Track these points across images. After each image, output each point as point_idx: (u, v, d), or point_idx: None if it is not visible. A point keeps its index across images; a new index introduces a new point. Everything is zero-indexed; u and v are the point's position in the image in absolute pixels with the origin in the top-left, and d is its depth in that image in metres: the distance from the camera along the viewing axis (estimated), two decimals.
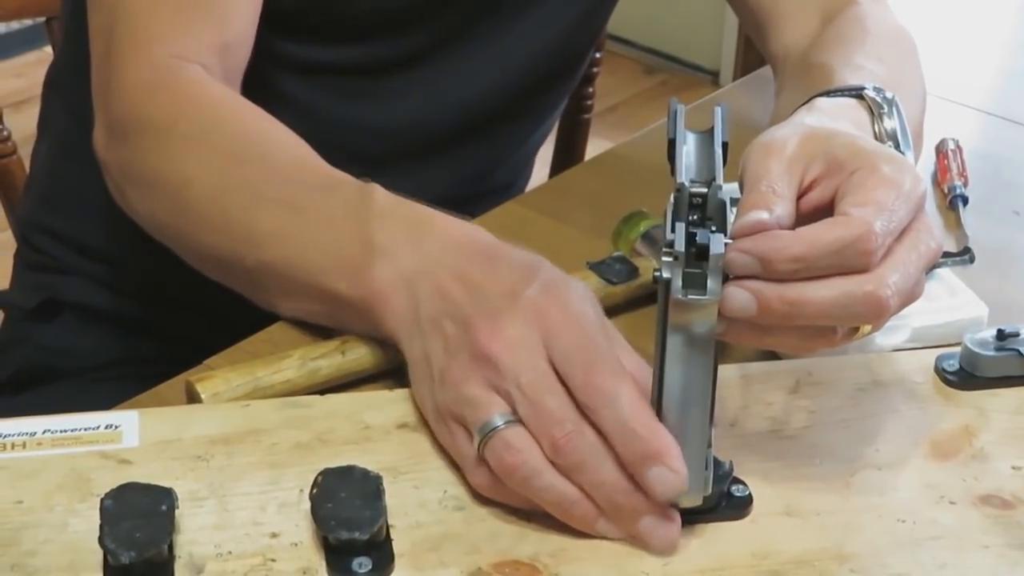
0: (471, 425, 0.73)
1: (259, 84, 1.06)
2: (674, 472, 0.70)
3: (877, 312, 0.72)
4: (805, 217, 0.74)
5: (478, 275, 0.78)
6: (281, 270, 0.87)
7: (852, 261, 0.71)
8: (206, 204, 0.91)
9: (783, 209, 0.73)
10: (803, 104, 0.90)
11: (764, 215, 0.72)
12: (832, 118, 0.86)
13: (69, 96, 1.04)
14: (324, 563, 0.69)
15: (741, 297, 0.70)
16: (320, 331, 0.89)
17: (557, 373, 0.73)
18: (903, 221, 0.73)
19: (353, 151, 1.06)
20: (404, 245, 0.82)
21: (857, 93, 0.90)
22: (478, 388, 0.74)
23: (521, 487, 0.72)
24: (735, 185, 0.90)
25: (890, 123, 0.89)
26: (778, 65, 1.10)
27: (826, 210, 0.75)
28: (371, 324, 0.83)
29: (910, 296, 0.73)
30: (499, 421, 0.72)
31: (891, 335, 0.91)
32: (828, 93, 0.91)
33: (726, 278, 0.69)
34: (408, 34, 1.08)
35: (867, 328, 0.75)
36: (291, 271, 0.87)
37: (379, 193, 0.85)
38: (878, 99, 0.89)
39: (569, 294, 0.76)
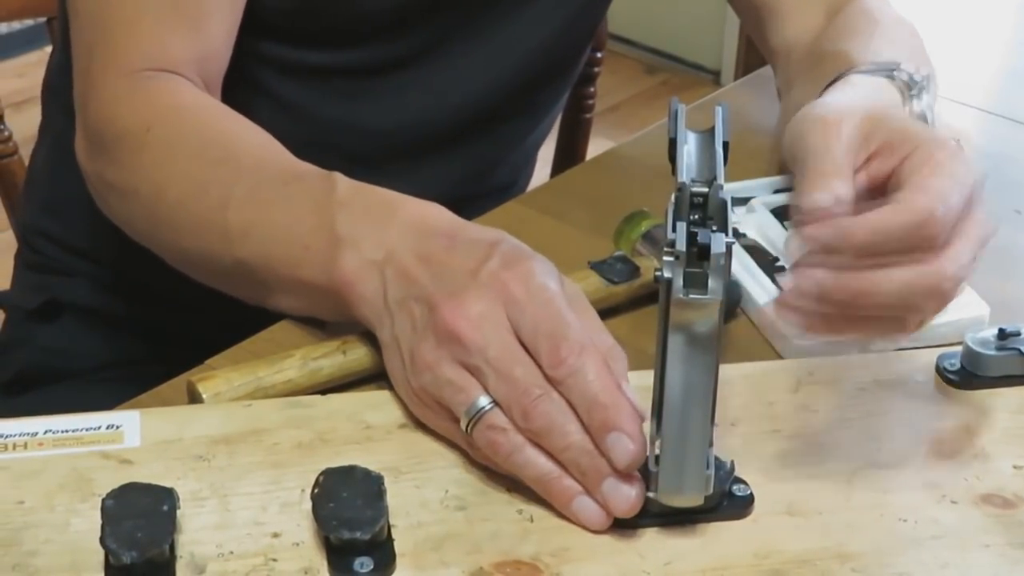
0: (455, 408, 0.75)
1: (254, 88, 1.06)
2: (633, 441, 0.71)
3: (938, 302, 0.73)
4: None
5: (440, 254, 0.80)
6: (257, 266, 0.88)
7: (915, 247, 0.72)
8: (181, 208, 0.92)
9: (847, 190, 0.73)
10: (837, 79, 0.90)
11: (838, 192, 0.73)
12: (871, 94, 0.86)
13: (66, 98, 1.04)
14: (325, 563, 0.69)
15: (805, 285, 0.71)
16: (322, 331, 0.89)
17: (524, 346, 0.75)
18: (960, 209, 0.74)
19: (350, 152, 1.06)
20: (367, 232, 0.83)
21: (889, 73, 0.90)
22: (451, 370, 0.75)
23: (505, 463, 0.74)
24: (737, 185, 0.90)
25: (920, 104, 0.89)
26: (779, 59, 1.10)
27: (873, 191, 0.75)
28: (346, 312, 0.84)
29: (963, 283, 0.75)
30: (484, 403, 0.74)
31: None
32: (860, 72, 0.91)
33: (727, 278, 0.69)
34: (403, 36, 1.08)
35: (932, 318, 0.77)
36: (266, 266, 0.88)
37: (341, 182, 0.86)
38: (910, 79, 0.89)
39: (530, 267, 0.77)
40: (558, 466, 0.73)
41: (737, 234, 0.98)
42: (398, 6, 1.05)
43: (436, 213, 0.83)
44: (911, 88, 0.89)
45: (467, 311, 0.76)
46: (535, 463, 0.73)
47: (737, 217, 1.00)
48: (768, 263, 0.96)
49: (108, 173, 0.96)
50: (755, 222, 1.01)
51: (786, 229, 1.00)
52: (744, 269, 0.95)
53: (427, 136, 1.13)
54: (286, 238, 0.87)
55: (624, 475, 0.72)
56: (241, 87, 1.04)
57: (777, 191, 1.04)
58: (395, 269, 0.81)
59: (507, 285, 0.76)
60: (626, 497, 0.72)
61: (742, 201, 1.02)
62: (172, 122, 0.94)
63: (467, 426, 0.74)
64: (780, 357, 0.90)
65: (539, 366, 0.74)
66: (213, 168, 0.91)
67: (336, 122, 1.10)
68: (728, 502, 0.73)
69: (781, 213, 1.02)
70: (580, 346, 0.74)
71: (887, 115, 0.79)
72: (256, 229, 0.88)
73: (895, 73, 0.90)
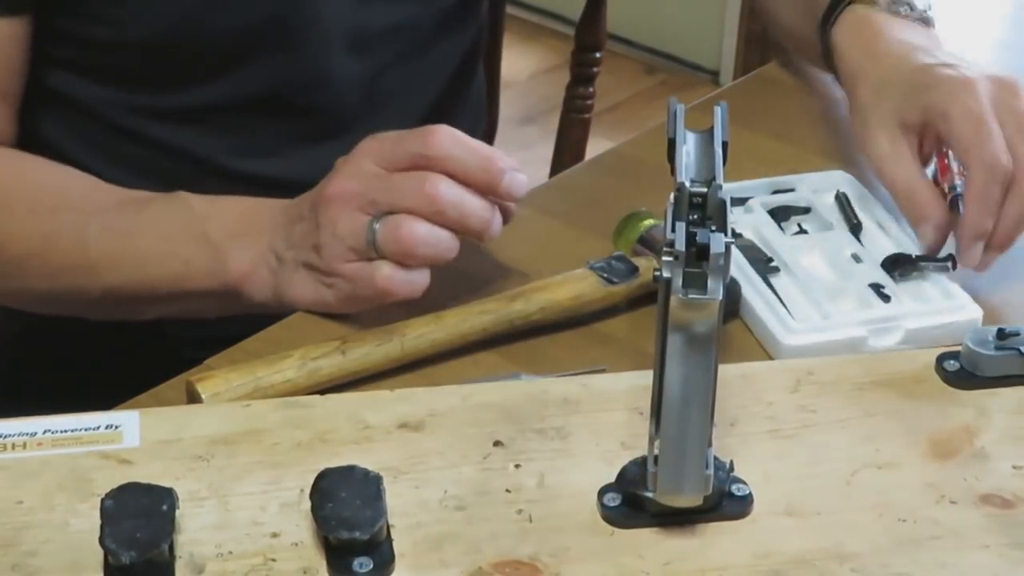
0: (360, 242, 0.86)
1: (134, 139, 1.08)
2: (521, 174, 0.87)
3: None
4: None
5: (306, 204, 0.90)
6: (132, 290, 0.95)
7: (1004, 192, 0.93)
8: (32, 260, 0.97)
9: (939, 212, 0.96)
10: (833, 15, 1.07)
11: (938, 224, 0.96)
12: (879, 46, 1.04)
13: None
14: (324, 563, 0.69)
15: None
16: (320, 331, 0.89)
17: None
18: (1002, 137, 0.93)
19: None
20: (241, 233, 0.92)
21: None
22: (344, 224, 0.87)
23: (419, 249, 0.86)
24: (735, 185, 0.91)
25: (912, 11, 1.07)
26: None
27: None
28: (235, 304, 0.93)
29: None
30: (375, 222, 0.86)
31: (884, 336, 0.91)
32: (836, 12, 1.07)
33: (726, 278, 0.69)
34: (262, 60, 1.06)
35: None
36: (144, 287, 0.95)
37: (192, 199, 0.94)
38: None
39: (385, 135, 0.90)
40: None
41: (734, 234, 0.98)
42: (245, 23, 1.03)
43: (284, 201, 0.93)
44: (897, 4, 1.05)
45: (339, 182, 0.88)
46: (442, 237, 0.86)
47: (734, 217, 1.00)
48: (763, 263, 0.96)
49: None
50: (752, 222, 1.01)
51: (783, 231, 1.00)
52: (739, 270, 0.95)
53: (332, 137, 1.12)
54: (160, 258, 0.93)
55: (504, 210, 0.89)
56: (120, 138, 1.07)
57: (775, 192, 1.04)
58: (280, 240, 0.90)
59: (365, 151, 0.89)
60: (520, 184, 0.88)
61: (740, 201, 1.02)
62: None
63: (374, 244, 0.86)
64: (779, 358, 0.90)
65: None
66: (52, 218, 0.96)
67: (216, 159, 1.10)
68: (727, 502, 0.73)
69: (778, 214, 1.02)
70: (434, 131, 0.87)
71: (908, 91, 0.98)
72: (125, 257, 0.94)
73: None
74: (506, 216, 0.90)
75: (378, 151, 0.89)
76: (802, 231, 1.02)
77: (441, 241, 0.87)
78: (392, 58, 1.12)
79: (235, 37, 1.04)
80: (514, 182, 0.87)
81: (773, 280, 0.95)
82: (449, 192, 0.86)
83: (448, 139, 0.87)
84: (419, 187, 0.86)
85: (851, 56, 1.06)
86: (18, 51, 1.00)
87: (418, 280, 0.88)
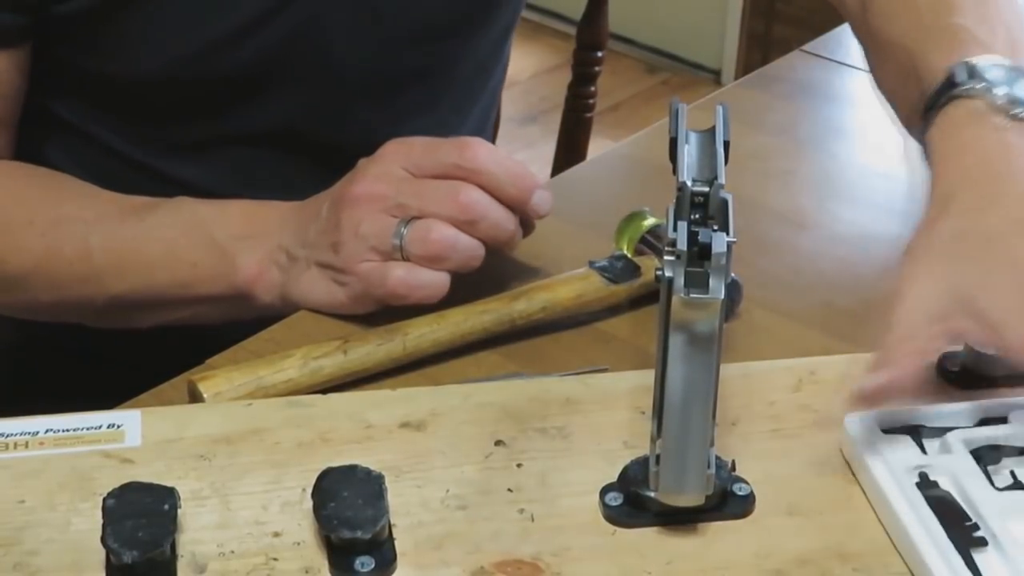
0: (385, 244, 0.87)
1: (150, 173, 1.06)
2: (547, 192, 0.90)
3: None
4: None
5: (318, 203, 0.90)
6: (138, 297, 0.95)
7: None
8: (34, 272, 0.96)
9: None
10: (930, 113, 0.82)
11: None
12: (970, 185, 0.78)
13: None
14: (326, 562, 0.69)
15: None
16: (322, 331, 0.89)
17: None
18: None
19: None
20: (248, 235, 0.92)
21: (985, 91, 0.80)
22: (369, 224, 0.87)
23: (449, 254, 0.87)
24: (933, 409, 0.77)
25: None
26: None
27: None
28: (248, 306, 0.93)
29: None
30: (403, 225, 0.87)
31: None
32: (938, 103, 0.82)
33: (728, 277, 0.69)
34: (267, 100, 1.05)
35: None
36: (150, 293, 0.95)
37: (197, 203, 0.94)
38: (1010, 97, 0.79)
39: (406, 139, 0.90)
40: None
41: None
42: (255, 62, 1.02)
43: (290, 203, 0.94)
44: (1015, 106, 0.78)
45: (366, 184, 0.88)
46: (472, 244, 0.87)
47: (928, 459, 0.76)
48: (962, 530, 0.70)
49: None
50: (949, 467, 0.74)
51: (991, 483, 0.74)
52: (929, 538, 0.70)
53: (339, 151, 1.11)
54: (167, 263, 0.93)
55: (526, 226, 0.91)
56: (125, 168, 1.05)
57: (982, 421, 0.78)
58: (291, 238, 0.90)
59: (393, 155, 0.89)
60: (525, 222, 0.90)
61: (937, 432, 0.77)
62: None
63: (400, 248, 0.86)
64: (780, 357, 0.90)
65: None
66: (54, 229, 0.96)
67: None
68: (729, 501, 0.73)
69: (985, 455, 0.76)
70: (467, 144, 0.88)
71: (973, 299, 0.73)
72: (130, 264, 0.94)
73: (994, 92, 0.79)
74: (527, 231, 0.92)
75: (406, 156, 0.89)
76: (1018, 483, 0.75)
77: (469, 248, 0.88)
78: (417, 104, 1.11)
79: (246, 74, 1.03)
80: (542, 199, 0.90)
81: (977, 557, 0.69)
82: (482, 203, 0.88)
83: (484, 153, 0.88)
84: (454, 196, 0.87)
85: (944, 172, 0.80)
86: (16, 80, 0.99)
87: (438, 282, 0.88)
